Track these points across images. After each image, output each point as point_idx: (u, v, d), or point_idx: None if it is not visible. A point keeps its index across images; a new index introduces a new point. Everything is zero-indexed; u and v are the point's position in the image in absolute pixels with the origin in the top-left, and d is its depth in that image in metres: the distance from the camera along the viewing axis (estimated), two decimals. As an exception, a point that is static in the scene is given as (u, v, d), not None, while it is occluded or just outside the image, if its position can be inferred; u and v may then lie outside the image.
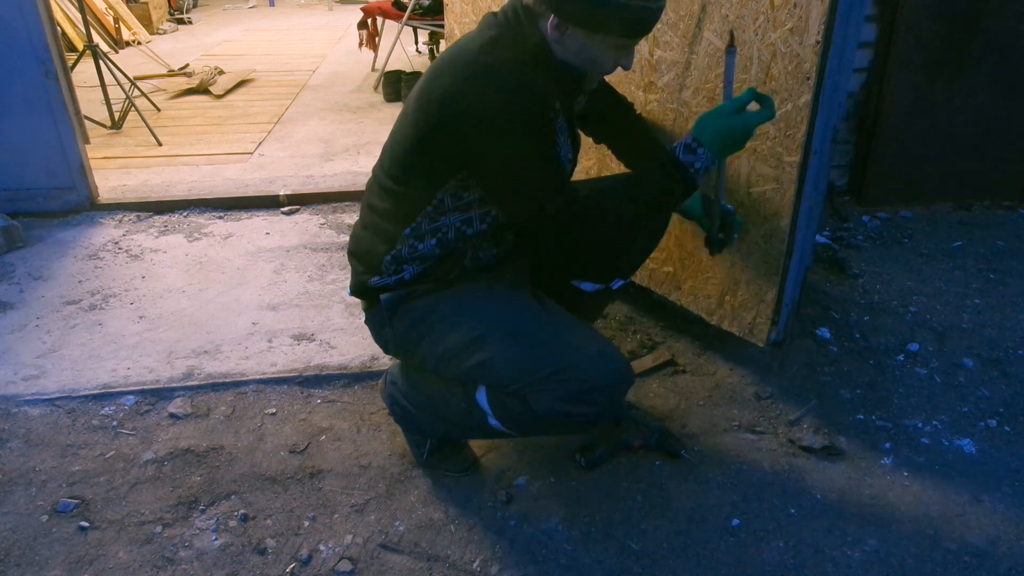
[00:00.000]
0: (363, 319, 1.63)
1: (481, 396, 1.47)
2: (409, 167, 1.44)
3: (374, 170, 1.56)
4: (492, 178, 1.39)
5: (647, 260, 2.07)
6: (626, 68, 1.39)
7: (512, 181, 1.37)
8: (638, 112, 1.78)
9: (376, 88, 4.75)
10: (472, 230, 1.48)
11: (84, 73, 4.29)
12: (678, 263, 2.02)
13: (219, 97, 4.60)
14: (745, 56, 1.68)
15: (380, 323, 1.56)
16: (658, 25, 1.81)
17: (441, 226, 1.46)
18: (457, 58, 1.37)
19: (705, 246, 1.70)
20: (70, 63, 3.51)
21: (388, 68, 4.76)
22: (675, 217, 1.97)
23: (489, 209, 1.47)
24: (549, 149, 1.37)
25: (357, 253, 1.57)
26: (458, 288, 1.50)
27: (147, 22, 6.65)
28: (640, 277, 2.13)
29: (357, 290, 1.58)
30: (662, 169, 1.40)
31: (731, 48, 1.40)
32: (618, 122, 1.74)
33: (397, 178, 1.46)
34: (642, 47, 1.88)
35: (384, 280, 1.51)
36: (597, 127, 1.75)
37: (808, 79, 1.58)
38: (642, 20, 1.29)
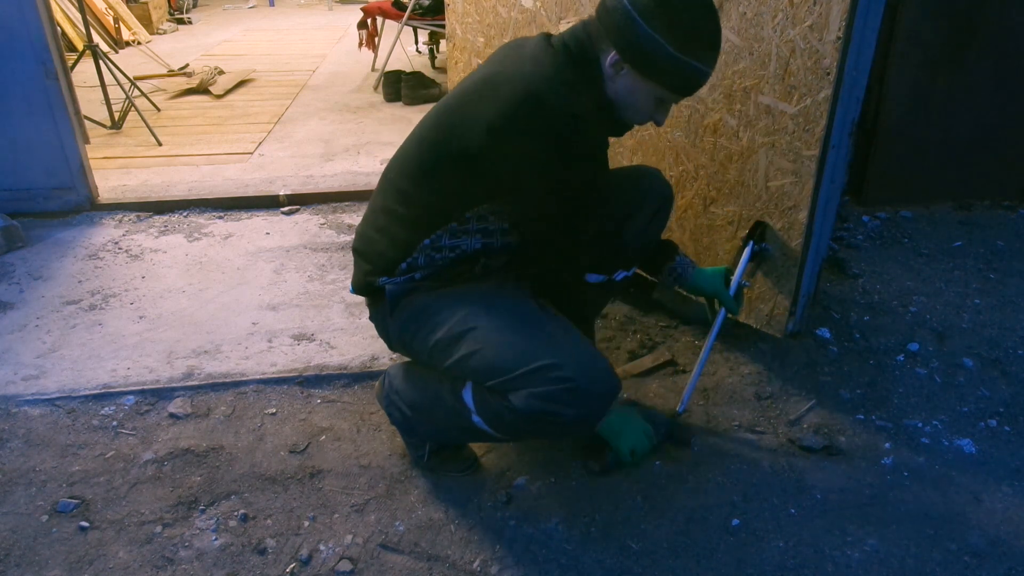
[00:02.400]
0: (363, 319, 1.64)
1: (467, 393, 1.48)
2: (439, 180, 1.45)
3: (390, 171, 1.56)
4: (530, 217, 1.47)
5: None
6: (658, 124, 1.48)
7: (553, 228, 1.45)
8: None
9: (376, 88, 4.75)
10: (491, 249, 1.52)
11: (84, 73, 4.29)
12: (692, 258, 2.03)
13: (219, 97, 4.60)
14: (763, 53, 1.70)
15: (383, 316, 1.58)
16: None
17: (461, 243, 1.49)
18: (506, 83, 1.36)
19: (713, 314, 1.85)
20: (70, 63, 3.51)
21: (388, 68, 4.75)
22: (691, 212, 1.98)
23: (509, 233, 1.52)
24: (595, 196, 1.44)
25: (367, 254, 1.57)
26: (460, 285, 1.52)
27: (147, 22, 6.65)
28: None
29: (362, 288, 1.60)
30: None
31: (754, 245, 1.80)
32: None
33: (422, 186, 1.47)
34: None
35: (393, 280, 1.52)
36: None
37: (828, 74, 1.61)
38: (693, 80, 1.37)
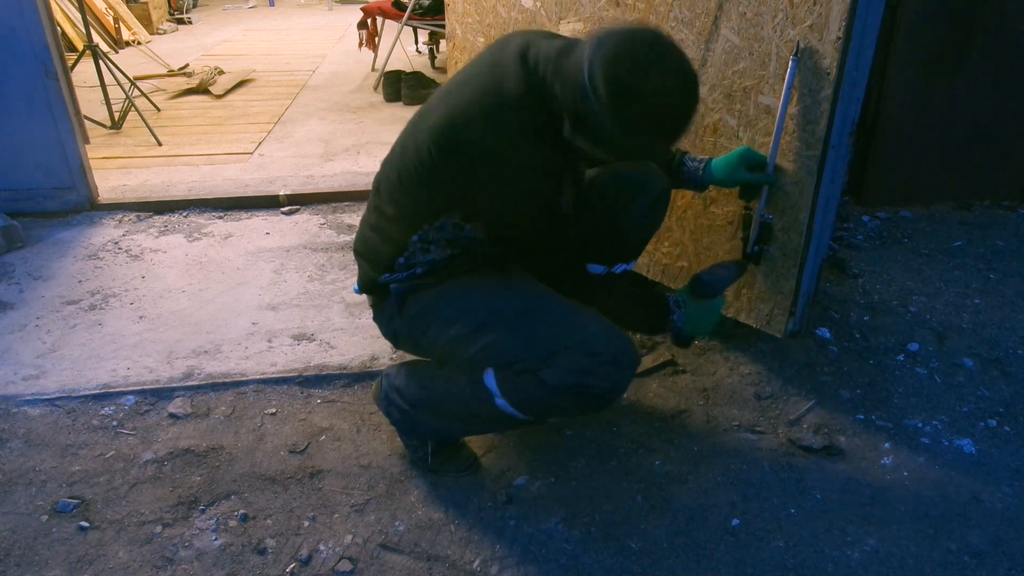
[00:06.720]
0: (363, 319, 1.64)
1: (489, 378, 1.49)
2: (417, 185, 1.47)
3: (380, 171, 1.58)
4: (495, 227, 1.49)
5: (660, 256, 2.12)
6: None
7: (516, 238, 1.50)
8: None
9: (376, 88, 4.75)
10: (478, 238, 1.52)
11: (84, 73, 4.29)
12: (692, 258, 2.03)
13: (219, 97, 4.60)
14: (763, 53, 1.70)
15: (390, 314, 1.59)
16: (672, 23, 1.83)
17: (447, 236, 1.50)
18: (480, 103, 1.37)
19: (743, 259, 1.81)
20: (70, 63, 3.51)
21: (388, 68, 4.76)
22: (691, 212, 1.99)
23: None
24: (555, 219, 1.47)
25: (365, 254, 1.60)
26: (464, 276, 1.54)
27: (147, 22, 6.65)
28: (653, 273, 2.14)
29: (366, 286, 1.62)
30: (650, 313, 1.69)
31: (795, 57, 1.62)
32: None
33: (405, 189, 1.49)
34: None
35: (395, 276, 1.54)
36: None
37: (828, 74, 1.61)
38: (651, 154, 1.42)
